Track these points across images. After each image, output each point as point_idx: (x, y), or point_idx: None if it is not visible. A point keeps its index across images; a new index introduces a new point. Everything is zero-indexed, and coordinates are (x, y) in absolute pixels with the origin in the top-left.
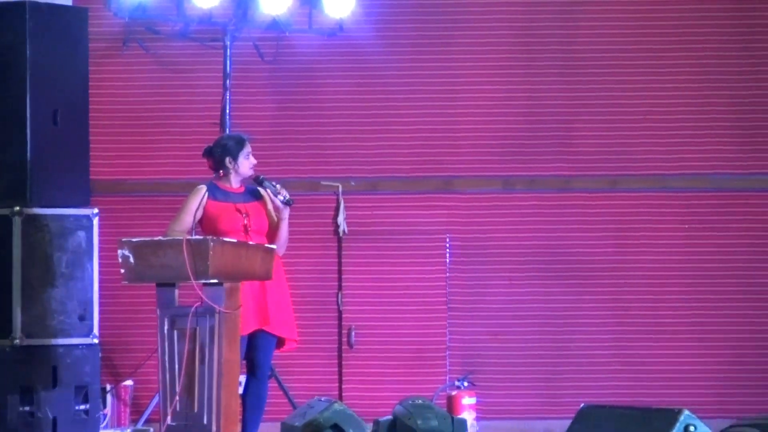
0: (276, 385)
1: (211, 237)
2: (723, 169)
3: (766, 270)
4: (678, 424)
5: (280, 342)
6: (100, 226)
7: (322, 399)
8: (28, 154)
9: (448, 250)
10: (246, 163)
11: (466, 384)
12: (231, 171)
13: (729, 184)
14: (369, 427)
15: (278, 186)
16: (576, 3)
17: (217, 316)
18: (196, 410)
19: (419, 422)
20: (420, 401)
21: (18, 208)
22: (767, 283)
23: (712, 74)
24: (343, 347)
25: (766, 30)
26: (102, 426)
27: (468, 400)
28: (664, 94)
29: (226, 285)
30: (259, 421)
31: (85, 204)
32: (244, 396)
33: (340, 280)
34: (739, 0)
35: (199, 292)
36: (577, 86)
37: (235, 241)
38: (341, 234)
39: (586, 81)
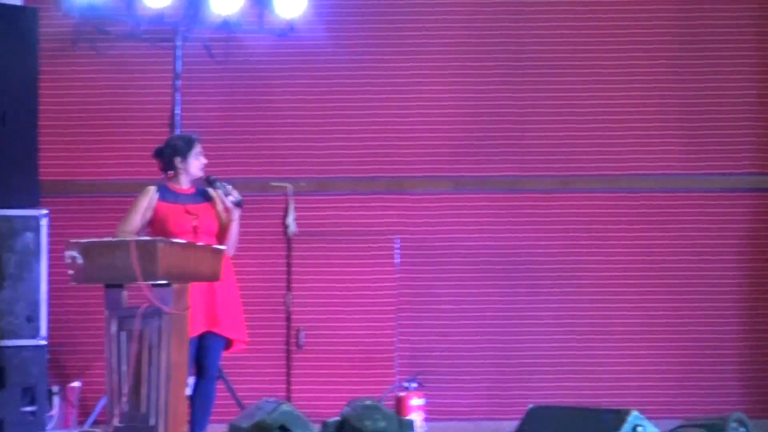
0: (224, 386)
1: (159, 238)
2: (673, 170)
3: (715, 271)
4: (626, 425)
5: (228, 343)
6: (49, 227)
7: (270, 400)
8: None
9: (397, 251)
10: (196, 164)
11: (414, 385)
12: (181, 171)
13: (679, 185)
14: (317, 428)
15: (229, 187)
16: (526, 4)
17: (165, 317)
18: (143, 412)
19: (367, 423)
20: (368, 402)
21: None
22: (716, 284)
23: (662, 75)
24: (292, 348)
25: (713, 32)
26: (49, 427)
27: (416, 401)
28: (614, 95)
29: (175, 286)
30: (206, 423)
31: (34, 205)
32: (192, 397)
33: (289, 280)
34: (686, 2)
35: (147, 294)
36: (528, 86)
37: (183, 242)
38: (291, 235)
39: (536, 81)
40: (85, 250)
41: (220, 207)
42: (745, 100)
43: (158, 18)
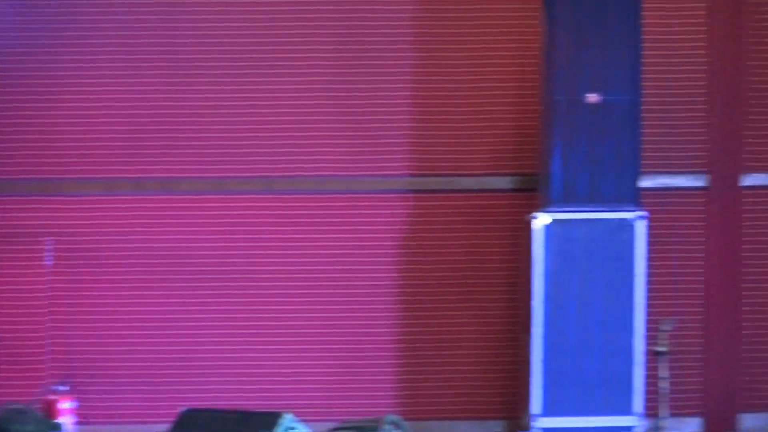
0: None
1: None
2: (327, 171)
3: (369, 272)
4: (278, 428)
5: None
6: None
7: None
8: None
9: (49, 252)
10: None
11: (65, 388)
12: None
13: (332, 186)
14: None
15: None
16: (180, 4)
17: None
18: None
19: (15, 427)
20: (17, 406)
21: None
22: (371, 286)
23: (319, 77)
24: None
25: (372, 32)
26: None
27: (66, 404)
28: (270, 97)
29: None
30: None
31: None
32: None
33: None
34: (346, 5)
35: None
36: (181, 88)
37: None
38: None
39: (190, 83)
40: None
41: None
42: (399, 101)
43: None
